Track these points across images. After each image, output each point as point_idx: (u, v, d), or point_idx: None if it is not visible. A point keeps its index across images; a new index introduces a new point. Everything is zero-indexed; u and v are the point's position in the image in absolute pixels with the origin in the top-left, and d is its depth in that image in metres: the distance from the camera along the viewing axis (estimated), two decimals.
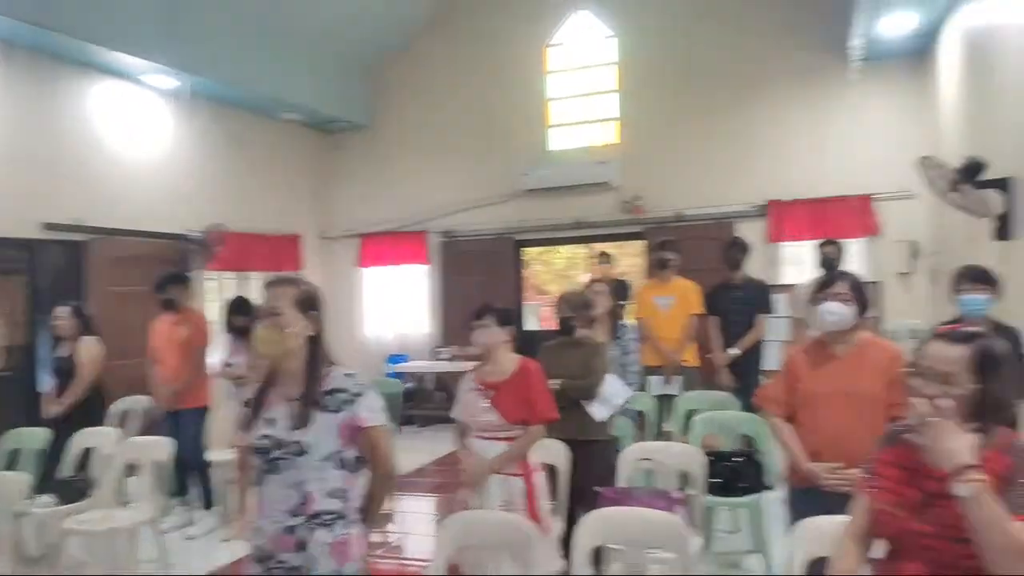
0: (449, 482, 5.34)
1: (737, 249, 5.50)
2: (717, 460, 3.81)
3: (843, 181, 7.15)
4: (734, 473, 3.83)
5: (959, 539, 1.52)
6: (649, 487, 3.40)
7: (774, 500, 3.73)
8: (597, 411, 3.64)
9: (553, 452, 3.46)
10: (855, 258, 6.79)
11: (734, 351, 5.28)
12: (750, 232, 7.02)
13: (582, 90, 8.46)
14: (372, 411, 2.02)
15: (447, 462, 6.37)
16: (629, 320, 5.16)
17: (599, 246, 7.99)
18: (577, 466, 3.48)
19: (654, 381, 5.20)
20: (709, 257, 6.08)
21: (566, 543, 2.92)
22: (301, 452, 1.96)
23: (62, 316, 4.78)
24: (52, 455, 4.29)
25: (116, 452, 4.15)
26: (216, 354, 5.33)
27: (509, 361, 3.17)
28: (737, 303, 5.35)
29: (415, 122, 8.95)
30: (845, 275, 2.84)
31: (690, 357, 5.33)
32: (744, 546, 4.15)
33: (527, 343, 6.56)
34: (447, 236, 8.79)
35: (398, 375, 8.10)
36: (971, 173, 4.17)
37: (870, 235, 7.12)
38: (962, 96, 5.63)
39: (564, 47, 8.53)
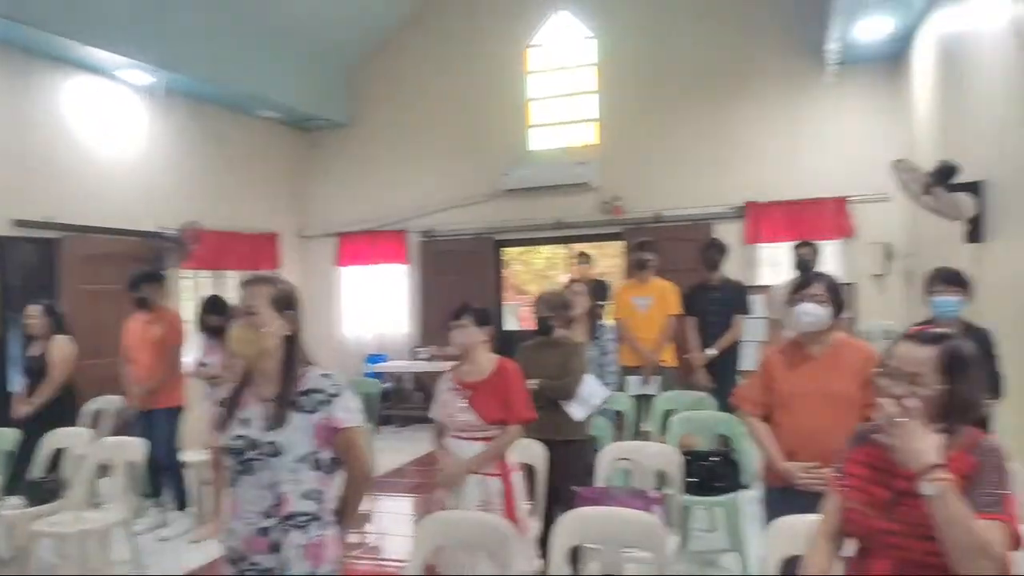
0: (427, 482, 5.32)
1: (715, 250, 5.54)
2: (694, 460, 3.83)
3: (819, 183, 7.23)
4: (711, 472, 3.86)
5: (926, 537, 1.54)
6: (627, 487, 3.42)
7: (750, 499, 3.76)
8: (575, 411, 3.65)
9: (531, 452, 3.46)
10: (830, 260, 6.87)
11: (711, 351, 5.32)
12: (728, 233, 7.08)
13: (562, 91, 8.48)
14: (349, 412, 2.00)
15: (425, 462, 6.35)
16: (608, 320, 5.18)
17: (579, 246, 8.00)
18: (555, 466, 3.48)
19: (632, 381, 5.22)
20: (687, 258, 6.12)
21: (544, 543, 2.93)
22: (276, 453, 1.94)
23: (34, 315, 4.71)
24: (22, 456, 4.20)
25: (88, 452, 4.08)
26: (190, 354, 5.27)
27: (487, 361, 3.17)
28: (714, 304, 5.39)
29: (394, 121, 8.92)
30: (821, 276, 2.87)
31: (668, 357, 5.36)
32: (720, 545, 4.19)
33: (507, 343, 6.60)
34: (426, 236, 8.77)
35: (377, 375, 8.06)
36: (944, 176, 4.23)
37: (845, 237, 7.20)
38: (936, 101, 5.72)
39: (544, 48, 8.54)
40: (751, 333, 5.68)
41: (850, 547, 1.80)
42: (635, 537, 2.51)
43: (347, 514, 2.08)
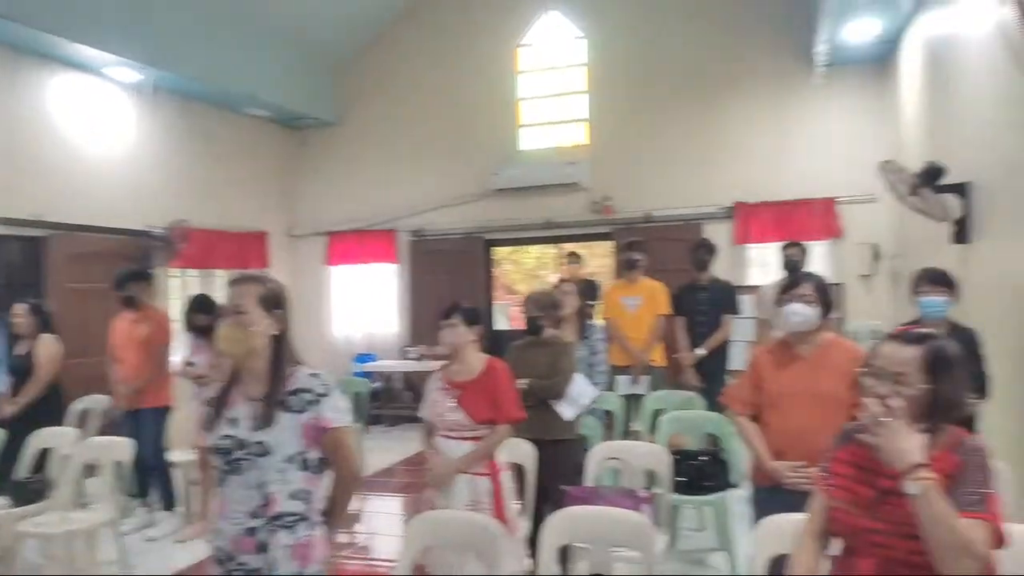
0: (417, 482, 5.31)
1: (704, 250, 5.56)
2: (683, 459, 3.84)
3: (808, 184, 7.27)
4: (699, 472, 3.87)
5: (910, 536, 1.55)
6: (616, 486, 3.42)
7: (739, 498, 3.78)
8: (565, 410, 3.65)
9: (520, 452, 3.46)
10: (818, 260, 6.91)
11: (700, 351, 5.34)
12: (717, 234, 7.11)
13: (552, 90, 8.49)
14: (337, 412, 1.99)
15: (415, 462, 6.34)
16: (598, 320, 5.19)
17: (568, 246, 8.02)
18: (545, 465, 3.49)
19: (622, 381, 5.23)
20: (677, 258, 6.14)
21: (533, 542, 2.93)
22: (264, 453, 1.93)
23: (20, 313, 4.67)
24: (8, 456, 4.17)
25: (74, 452, 4.06)
26: (178, 353, 5.24)
27: (476, 361, 3.16)
28: (703, 304, 5.41)
29: (384, 120, 8.90)
30: (810, 277, 2.88)
31: (657, 357, 5.37)
32: (709, 544, 4.20)
33: (497, 343, 6.61)
34: (416, 235, 8.75)
35: (366, 374, 8.05)
36: (931, 178, 4.26)
37: (833, 238, 7.24)
38: (923, 103, 5.76)
39: (535, 47, 8.54)
40: (740, 333, 5.70)
41: (836, 546, 1.81)
42: (624, 536, 2.51)
43: (335, 514, 2.07)
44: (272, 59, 7.96)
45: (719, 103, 7.69)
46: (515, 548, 2.99)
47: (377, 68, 8.95)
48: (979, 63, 4.05)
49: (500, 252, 9.61)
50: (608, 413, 4.72)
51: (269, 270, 8.33)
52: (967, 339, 3.26)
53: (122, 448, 3.98)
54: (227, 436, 1.96)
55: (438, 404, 3.14)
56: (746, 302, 5.75)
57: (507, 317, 11.59)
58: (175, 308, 6.68)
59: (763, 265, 7.34)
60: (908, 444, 1.55)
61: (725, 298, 5.47)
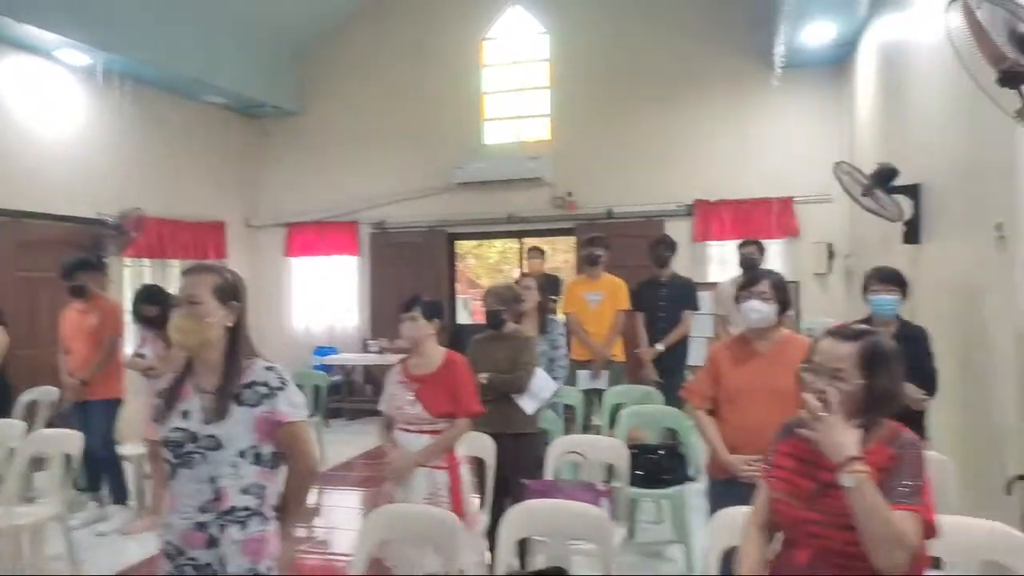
0: (376, 476, 5.29)
1: (664, 247, 5.62)
2: (641, 453, 3.89)
3: (766, 183, 7.39)
4: (657, 465, 3.92)
5: (846, 527, 1.60)
6: (575, 479, 3.45)
7: (696, 491, 3.84)
8: (526, 404, 3.66)
9: (480, 445, 3.47)
10: (775, 258, 7.03)
11: (660, 347, 5.40)
12: (677, 231, 7.19)
13: (516, 85, 8.48)
14: (293, 406, 1.96)
15: (374, 455, 6.30)
16: (559, 315, 5.21)
17: (531, 241, 8.03)
18: (506, 459, 3.49)
19: (582, 375, 5.26)
20: (638, 254, 6.20)
21: (493, 536, 2.93)
22: (216, 446, 1.89)
23: None
24: None
25: (22, 445, 3.94)
26: (128, 344, 5.11)
27: (436, 354, 3.16)
28: (663, 300, 5.47)
29: (347, 110, 8.79)
30: (768, 274, 2.93)
31: (617, 352, 5.42)
32: (667, 536, 4.26)
33: (459, 336, 6.58)
34: (378, 228, 8.68)
35: (326, 367, 7.97)
36: (883, 179, 4.37)
37: (790, 236, 7.39)
38: (877, 106, 5.90)
39: (499, 41, 8.52)
40: (699, 329, 5.78)
41: (779, 537, 1.85)
42: (582, 529, 2.53)
43: (291, 510, 2.04)
44: (229, 45, 7.79)
45: (680, 102, 7.77)
46: (472, 542, 3.00)
47: (341, 58, 8.83)
48: (930, 68, 4.16)
49: (464, 246, 9.58)
50: (568, 407, 4.75)
51: (226, 261, 8.18)
52: (917, 337, 3.35)
53: (71, 441, 3.87)
54: (178, 429, 1.92)
55: (397, 397, 3.13)
56: (705, 299, 5.82)
57: (469, 311, 11.58)
58: (128, 298, 6.52)
59: (722, 262, 7.46)
60: (844, 438, 1.60)
61: (685, 294, 5.53)
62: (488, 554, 3.16)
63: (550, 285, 5.52)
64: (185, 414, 1.94)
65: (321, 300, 8.95)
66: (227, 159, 8.73)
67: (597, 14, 8.03)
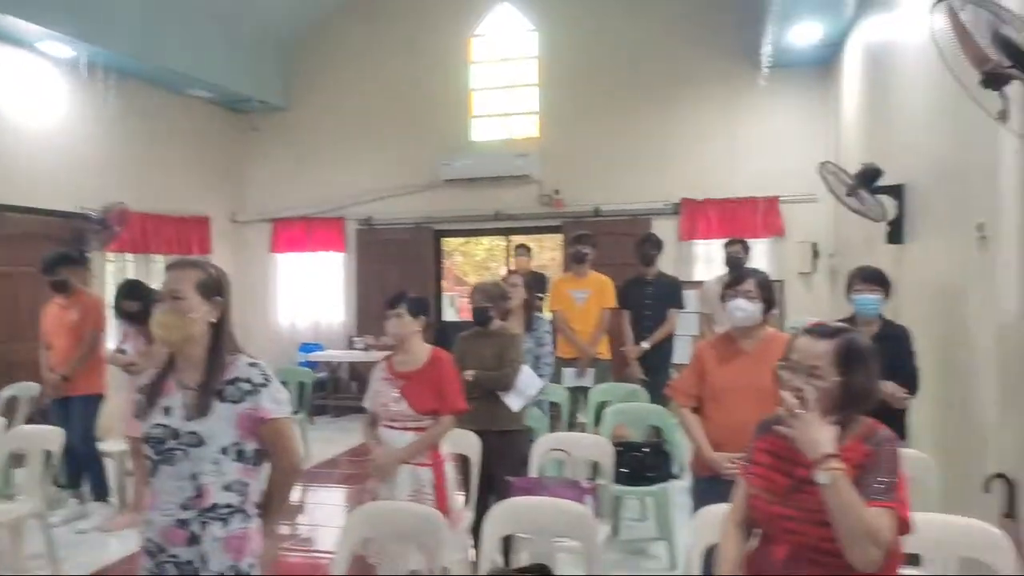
0: (361, 473, 5.27)
1: (650, 245, 5.64)
2: (626, 450, 3.90)
3: (752, 183, 7.43)
4: (642, 463, 3.93)
5: (822, 523, 1.61)
6: (560, 477, 3.45)
7: (680, 489, 3.85)
8: (512, 401, 3.66)
9: (466, 443, 3.46)
10: (760, 258, 7.07)
11: (645, 345, 5.41)
12: (664, 229, 7.21)
13: (504, 82, 8.47)
14: (277, 403, 1.95)
15: (359, 453, 6.27)
16: (546, 313, 5.22)
17: (518, 238, 8.03)
18: (492, 456, 3.49)
19: (568, 373, 5.27)
20: (625, 252, 6.21)
21: (478, 533, 2.93)
22: (198, 443, 1.88)
23: None
24: None
25: (1, 441, 3.89)
26: (110, 340, 5.07)
27: (421, 351, 3.15)
28: (649, 298, 5.49)
29: (334, 106, 8.74)
30: (753, 273, 2.94)
31: (603, 350, 5.43)
32: (650, 534, 4.28)
33: (445, 334, 6.57)
34: (365, 224, 8.65)
35: (311, 364, 7.93)
36: (867, 179, 4.40)
37: (776, 236, 7.43)
38: (862, 107, 5.94)
39: (488, 38, 8.50)
40: (685, 327, 5.80)
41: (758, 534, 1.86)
42: (566, 527, 2.54)
43: (274, 507, 2.03)
44: (216, 39, 7.72)
45: (667, 101, 7.79)
46: (457, 539, 2.99)
47: (328, 53, 8.78)
48: (915, 70, 4.19)
49: (451, 243, 9.57)
50: (554, 405, 4.75)
51: (211, 256, 8.12)
52: (899, 336, 3.38)
53: (51, 437, 3.83)
54: (160, 425, 1.91)
55: (381, 394, 3.12)
56: (691, 297, 5.85)
57: (456, 308, 11.57)
58: (111, 294, 6.46)
59: (708, 261, 7.49)
60: (820, 435, 1.61)
61: (670, 293, 5.55)
62: (472, 551, 3.16)
63: (537, 283, 5.52)
64: (167, 410, 1.92)
65: (307, 296, 8.91)
66: (212, 154, 8.66)
67: (586, 12, 8.04)
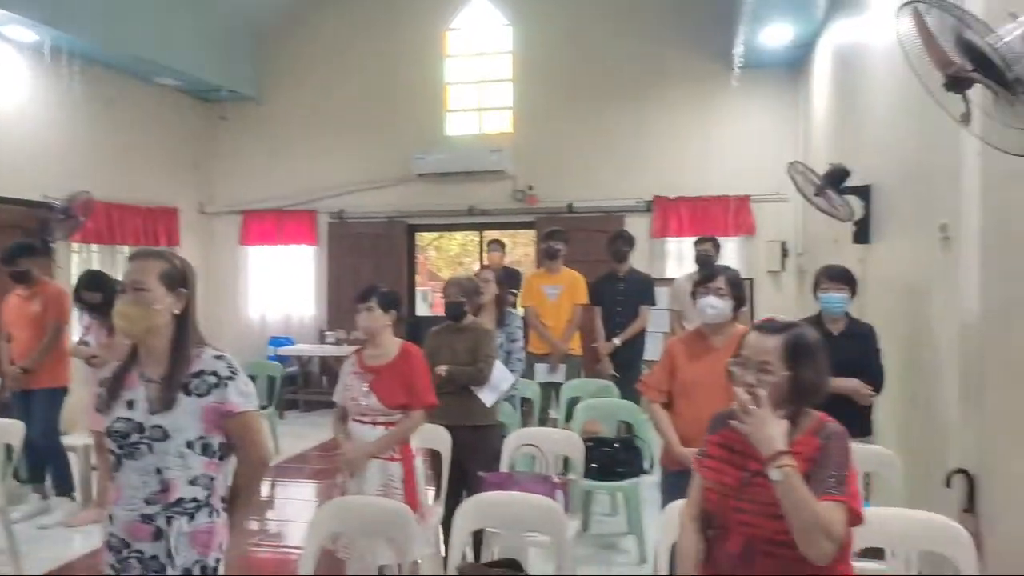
0: (330, 468, 5.23)
1: (622, 242, 5.67)
2: (597, 446, 3.92)
3: (724, 182, 7.50)
4: (612, 458, 3.96)
5: (775, 516, 1.64)
6: (531, 472, 3.46)
7: (650, 484, 3.88)
8: (485, 396, 3.66)
9: (437, 437, 3.45)
10: (731, 256, 7.15)
11: (617, 341, 5.44)
12: (636, 226, 7.26)
13: (479, 77, 8.44)
14: (243, 396, 1.92)
15: (329, 447, 6.23)
16: (519, 308, 5.22)
17: (492, 234, 8.02)
18: (464, 451, 3.49)
19: (540, 368, 5.28)
20: (596, 249, 6.24)
21: (448, 527, 2.93)
22: (163, 437, 1.84)
23: None
24: None
25: None
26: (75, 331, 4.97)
27: (391, 345, 3.14)
28: (621, 295, 5.52)
29: (306, 97, 8.64)
30: (724, 270, 2.98)
31: (574, 346, 5.45)
32: (620, 528, 4.31)
33: (418, 328, 6.54)
34: (337, 217, 8.57)
35: (281, 358, 7.85)
36: (835, 180, 4.46)
37: (746, 234, 7.51)
38: (831, 108, 6.02)
39: (463, 32, 8.47)
40: (656, 324, 5.85)
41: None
42: (536, 521, 2.55)
43: (242, 501, 2.00)
44: (185, 26, 7.57)
45: (641, 99, 7.83)
46: (425, 534, 2.99)
47: (301, 43, 8.67)
48: (883, 72, 4.26)
49: (425, 238, 9.53)
50: (525, 400, 4.76)
51: (179, 248, 8.00)
52: (864, 335, 3.44)
53: (12, 431, 3.74)
54: (124, 419, 1.87)
55: (351, 388, 3.09)
56: (662, 294, 5.89)
57: (429, 303, 11.53)
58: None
59: (680, 258, 7.55)
60: (773, 431, 1.64)
61: (642, 289, 5.59)
62: (443, 546, 3.15)
63: (509, 278, 5.52)
64: (130, 404, 1.88)
65: (277, 290, 8.81)
66: (181, 143, 8.51)
67: (561, 9, 8.04)
